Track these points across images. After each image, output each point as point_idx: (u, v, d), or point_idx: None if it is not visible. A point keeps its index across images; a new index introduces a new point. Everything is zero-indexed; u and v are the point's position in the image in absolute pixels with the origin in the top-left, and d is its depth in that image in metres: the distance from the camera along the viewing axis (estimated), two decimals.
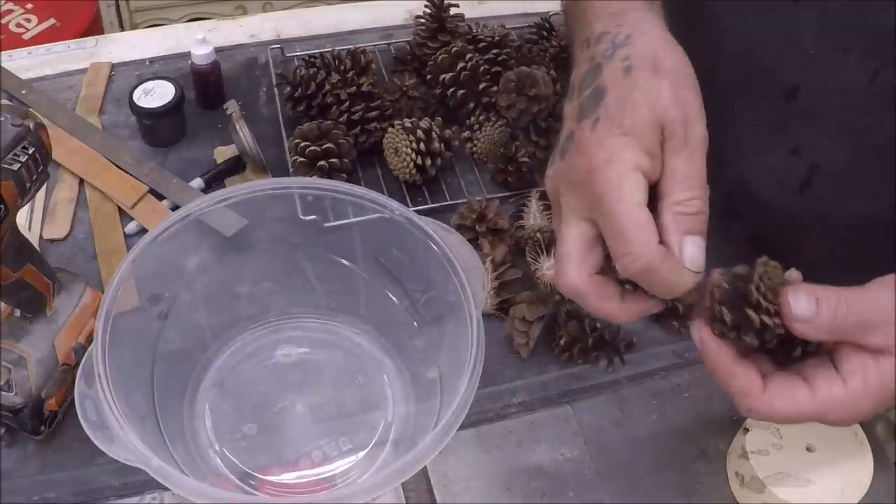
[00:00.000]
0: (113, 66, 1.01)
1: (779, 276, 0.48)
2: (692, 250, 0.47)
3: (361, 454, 0.68)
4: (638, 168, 0.48)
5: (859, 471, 0.63)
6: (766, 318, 0.46)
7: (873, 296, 0.47)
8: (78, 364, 0.57)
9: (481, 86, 0.93)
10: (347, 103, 0.89)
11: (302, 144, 0.84)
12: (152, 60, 1.03)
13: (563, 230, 0.51)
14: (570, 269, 0.50)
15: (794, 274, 0.50)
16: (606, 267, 0.51)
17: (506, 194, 0.89)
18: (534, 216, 0.82)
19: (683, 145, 0.49)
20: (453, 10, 1.00)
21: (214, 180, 0.89)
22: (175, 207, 0.85)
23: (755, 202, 0.74)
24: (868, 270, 0.53)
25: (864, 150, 0.64)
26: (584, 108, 0.51)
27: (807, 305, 0.46)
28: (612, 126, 0.49)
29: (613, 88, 0.50)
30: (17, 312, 0.66)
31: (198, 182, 0.88)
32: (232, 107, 0.90)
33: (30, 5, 1.69)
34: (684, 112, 0.50)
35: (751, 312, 0.46)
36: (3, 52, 1.02)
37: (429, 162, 0.86)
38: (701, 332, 0.49)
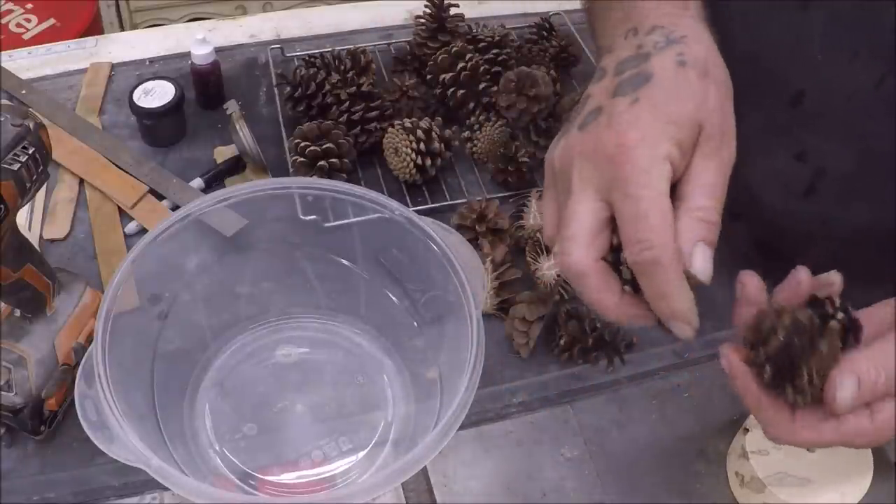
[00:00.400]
0: (113, 66, 1.02)
1: (835, 351, 0.46)
2: (702, 258, 0.46)
3: (361, 454, 0.68)
4: (669, 158, 0.46)
5: (859, 471, 0.63)
6: (799, 398, 0.46)
7: None
8: (78, 364, 0.57)
9: (481, 86, 0.93)
10: (347, 103, 0.89)
11: (302, 144, 0.84)
12: (152, 60, 1.03)
13: (574, 207, 0.47)
14: (577, 249, 0.47)
15: (834, 277, 0.49)
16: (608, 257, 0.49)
17: (506, 194, 0.89)
18: (534, 216, 0.82)
19: (716, 153, 0.48)
20: (453, 10, 1.00)
21: (214, 180, 0.89)
22: (175, 207, 0.85)
23: (760, 206, 0.74)
24: (872, 276, 0.53)
25: (869, 155, 0.63)
26: (620, 86, 0.49)
27: (850, 391, 0.45)
28: (655, 109, 0.47)
29: (662, 77, 0.48)
30: (17, 312, 0.66)
31: (198, 182, 0.88)
32: (232, 107, 0.90)
33: (30, 5, 1.69)
34: (724, 122, 0.49)
35: (789, 390, 0.46)
36: (3, 52, 1.02)
37: (429, 162, 0.86)
38: (731, 359, 0.48)
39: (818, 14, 0.60)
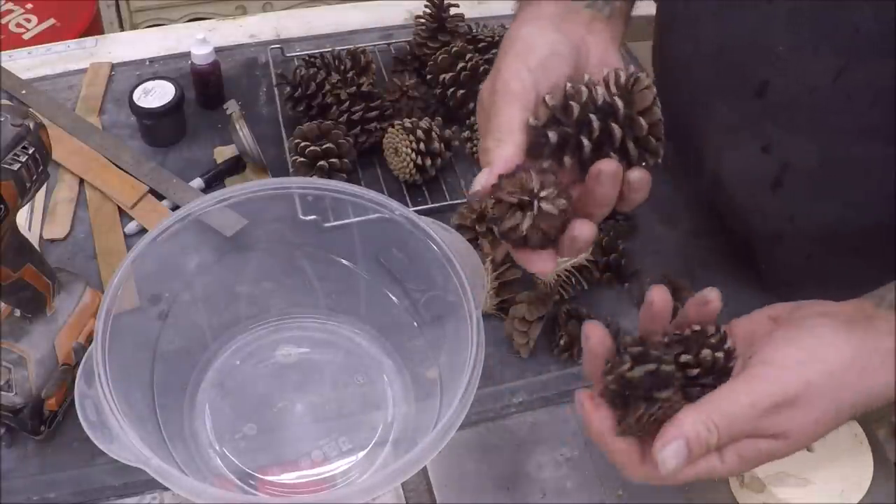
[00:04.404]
0: (113, 66, 1.02)
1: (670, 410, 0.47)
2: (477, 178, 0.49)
3: (361, 454, 0.68)
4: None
5: (859, 471, 0.63)
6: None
7: (733, 402, 0.46)
8: (78, 364, 0.57)
9: (481, 86, 0.92)
10: (347, 103, 0.89)
11: (302, 144, 0.84)
12: (152, 60, 1.03)
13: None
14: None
15: (711, 295, 0.50)
16: None
17: None
18: None
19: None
20: (453, 10, 1.00)
21: (214, 180, 0.89)
22: (175, 207, 0.85)
23: (731, 200, 0.75)
24: (846, 279, 0.53)
25: (832, 151, 0.64)
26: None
27: (675, 460, 0.45)
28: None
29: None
30: (17, 312, 0.66)
31: (198, 182, 0.88)
32: (232, 107, 0.90)
33: (30, 5, 1.69)
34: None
35: (632, 422, 0.47)
36: (3, 52, 1.02)
37: (429, 162, 0.86)
38: (585, 404, 0.49)
39: (781, 7, 0.61)
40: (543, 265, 0.50)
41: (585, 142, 0.47)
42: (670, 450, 0.45)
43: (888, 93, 0.58)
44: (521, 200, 0.47)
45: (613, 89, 0.48)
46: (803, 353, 0.47)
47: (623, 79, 0.48)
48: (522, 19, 0.56)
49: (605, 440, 0.49)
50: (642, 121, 0.47)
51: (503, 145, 0.49)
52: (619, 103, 0.47)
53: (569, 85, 0.49)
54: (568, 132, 0.48)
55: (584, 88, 0.48)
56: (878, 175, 0.63)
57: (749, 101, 0.66)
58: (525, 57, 0.52)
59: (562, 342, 0.74)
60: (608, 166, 0.47)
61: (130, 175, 0.88)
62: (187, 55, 0.95)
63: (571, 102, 0.47)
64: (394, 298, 0.72)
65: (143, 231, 0.83)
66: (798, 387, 0.46)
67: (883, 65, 0.57)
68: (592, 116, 0.47)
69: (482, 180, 0.49)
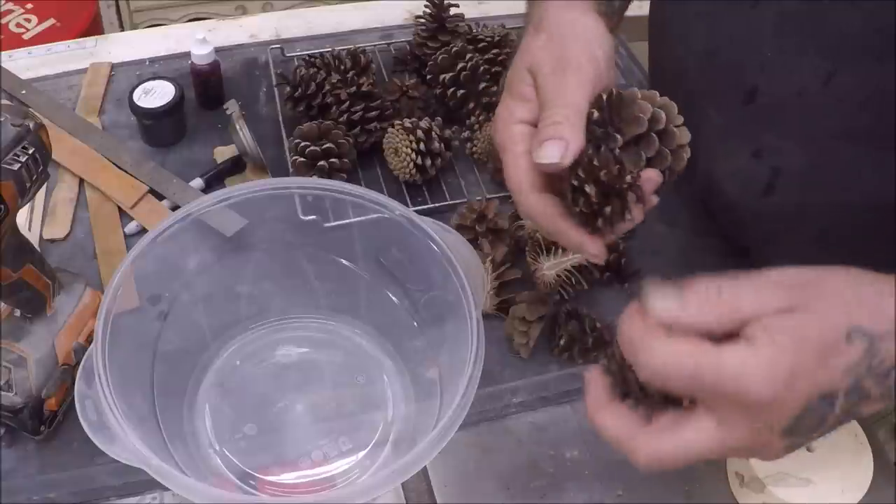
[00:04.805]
0: (113, 66, 1.02)
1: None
2: (547, 147, 0.49)
3: (361, 454, 0.68)
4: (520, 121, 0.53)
5: (859, 471, 0.63)
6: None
7: (750, 283, 0.43)
8: (78, 364, 0.57)
9: (481, 86, 0.93)
10: (347, 103, 0.89)
11: (302, 144, 0.84)
12: (152, 60, 1.03)
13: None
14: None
15: None
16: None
17: (506, 194, 0.88)
18: None
19: (555, 74, 0.52)
20: (453, 10, 1.00)
21: (214, 180, 0.89)
22: (175, 207, 0.85)
23: (726, 203, 0.75)
24: None
25: (823, 154, 0.64)
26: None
27: (662, 300, 0.41)
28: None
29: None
30: (17, 312, 0.66)
31: (198, 182, 0.88)
32: (232, 107, 0.90)
33: (30, 5, 1.69)
34: (555, 53, 0.53)
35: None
36: (3, 52, 1.02)
37: (429, 162, 0.86)
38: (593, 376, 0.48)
39: (768, 11, 0.61)
40: (600, 249, 0.50)
41: (644, 156, 0.48)
42: (662, 292, 0.41)
43: (877, 96, 0.58)
44: (630, 186, 0.47)
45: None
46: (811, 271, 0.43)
47: (675, 112, 0.49)
48: (562, 7, 0.56)
49: (598, 414, 0.48)
50: (685, 156, 0.48)
51: (576, 125, 0.49)
52: (678, 135, 0.48)
53: (616, 91, 0.50)
54: (618, 138, 0.48)
55: (649, 106, 0.48)
56: (867, 177, 0.63)
57: (739, 106, 0.66)
58: (591, 44, 0.52)
59: (562, 342, 0.74)
60: (655, 176, 0.47)
61: (130, 175, 0.88)
62: (187, 55, 0.95)
63: (638, 113, 0.48)
64: (394, 298, 0.72)
65: (143, 231, 0.83)
66: (807, 276, 0.43)
67: (872, 68, 0.57)
68: (654, 136, 0.47)
69: (558, 153, 0.48)
